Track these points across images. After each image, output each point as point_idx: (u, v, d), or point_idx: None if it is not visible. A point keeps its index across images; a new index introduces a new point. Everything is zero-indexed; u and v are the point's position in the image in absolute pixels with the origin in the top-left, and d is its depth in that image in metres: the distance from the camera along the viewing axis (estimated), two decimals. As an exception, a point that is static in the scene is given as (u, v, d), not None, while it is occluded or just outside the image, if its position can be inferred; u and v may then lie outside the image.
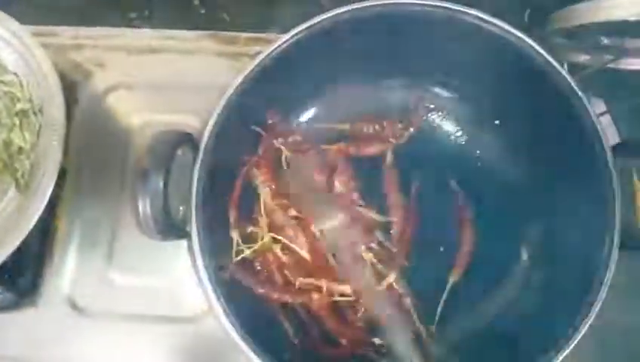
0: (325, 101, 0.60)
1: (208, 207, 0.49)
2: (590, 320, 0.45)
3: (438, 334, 0.53)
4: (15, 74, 0.58)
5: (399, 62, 0.57)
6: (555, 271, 0.51)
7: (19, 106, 0.57)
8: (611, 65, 0.61)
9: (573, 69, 0.63)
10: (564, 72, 0.50)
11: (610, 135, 0.65)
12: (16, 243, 0.50)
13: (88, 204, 0.62)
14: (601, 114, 0.66)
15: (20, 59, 0.57)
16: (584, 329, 0.45)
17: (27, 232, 0.51)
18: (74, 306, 0.60)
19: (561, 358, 0.45)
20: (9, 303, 0.59)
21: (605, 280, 0.45)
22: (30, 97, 0.58)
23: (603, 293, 0.45)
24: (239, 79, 0.50)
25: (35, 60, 0.56)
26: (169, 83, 0.65)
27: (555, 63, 0.50)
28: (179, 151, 0.49)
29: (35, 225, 0.56)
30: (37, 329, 0.59)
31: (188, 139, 0.48)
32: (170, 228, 0.47)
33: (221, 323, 0.47)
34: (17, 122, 0.57)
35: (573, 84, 0.49)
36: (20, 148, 0.57)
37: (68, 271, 0.60)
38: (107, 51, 0.67)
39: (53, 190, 0.55)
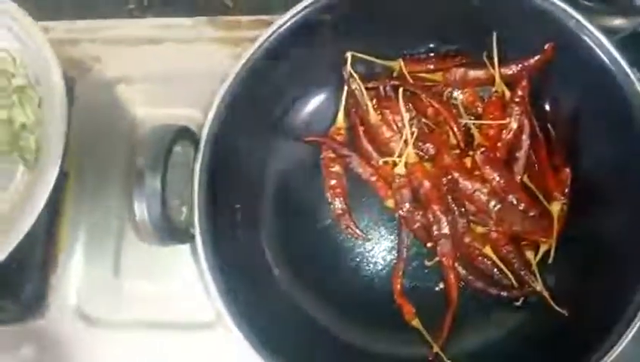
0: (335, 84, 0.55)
1: (212, 206, 0.45)
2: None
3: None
4: (6, 50, 0.54)
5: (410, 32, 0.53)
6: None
7: (15, 83, 0.54)
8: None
9: (607, 33, 0.58)
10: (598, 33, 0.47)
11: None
12: (31, 221, 0.46)
13: (92, 207, 0.59)
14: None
15: (9, 33, 0.53)
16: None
17: (39, 210, 0.47)
18: (82, 316, 0.57)
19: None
20: (15, 315, 0.56)
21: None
22: (26, 72, 0.54)
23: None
24: (238, 67, 0.46)
25: (26, 33, 0.52)
26: (170, 74, 0.61)
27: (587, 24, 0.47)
28: (178, 148, 0.45)
29: (39, 231, 0.53)
30: (47, 342, 0.56)
31: (185, 134, 0.44)
32: (172, 232, 0.43)
33: (229, 328, 0.43)
34: (16, 99, 0.54)
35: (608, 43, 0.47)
36: (23, 125, 0.54)
37: (74, 279, 0.58)
38: (104, 45, 0.63)
39: (56, 195, 0.52)
